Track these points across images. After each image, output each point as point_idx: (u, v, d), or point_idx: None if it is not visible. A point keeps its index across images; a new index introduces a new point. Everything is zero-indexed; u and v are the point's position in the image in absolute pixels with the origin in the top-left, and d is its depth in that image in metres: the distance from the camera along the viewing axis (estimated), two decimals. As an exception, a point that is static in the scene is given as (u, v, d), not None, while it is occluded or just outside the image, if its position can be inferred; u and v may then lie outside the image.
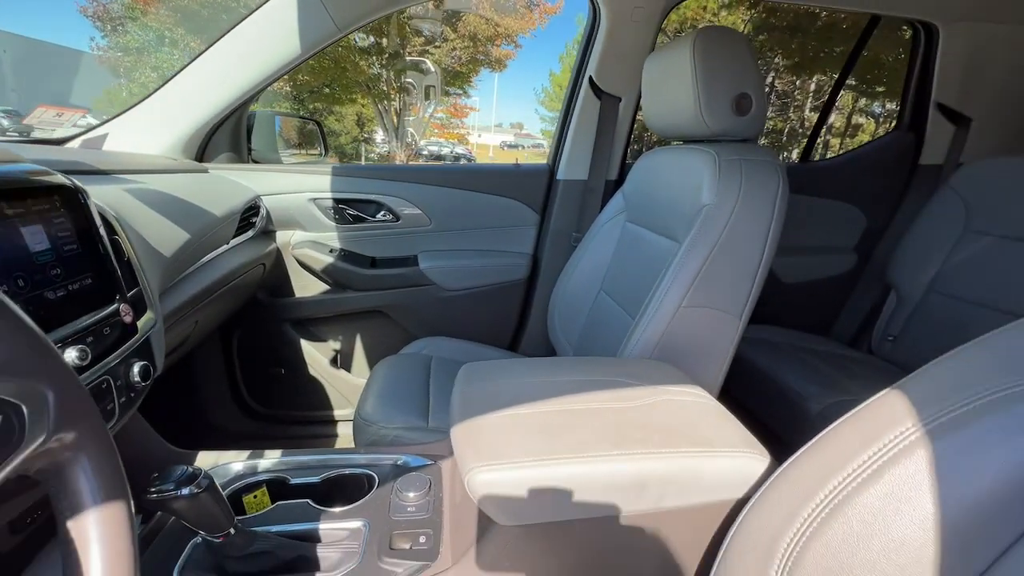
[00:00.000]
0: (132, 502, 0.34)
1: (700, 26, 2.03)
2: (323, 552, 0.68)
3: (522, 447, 0.60)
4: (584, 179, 1.56)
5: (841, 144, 12.49)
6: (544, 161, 1.69)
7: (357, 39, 10.22)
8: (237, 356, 1.56)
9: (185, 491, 0.55)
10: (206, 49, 1.22)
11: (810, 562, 0.45)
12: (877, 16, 1.67)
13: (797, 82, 12.71)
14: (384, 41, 11.24)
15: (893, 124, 1.86)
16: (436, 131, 17.73)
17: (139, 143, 1.22)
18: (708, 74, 0.98)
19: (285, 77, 1.30)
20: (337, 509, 0.74)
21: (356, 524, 0.72)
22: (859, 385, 1.29)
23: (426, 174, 1.58)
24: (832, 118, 12.05)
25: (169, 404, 1.41)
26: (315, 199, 1.48)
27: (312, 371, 1.60)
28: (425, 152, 16.77)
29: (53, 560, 0.64)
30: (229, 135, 1.41)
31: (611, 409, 0.69)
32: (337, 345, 1.63)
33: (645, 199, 1.21)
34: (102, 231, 0.67)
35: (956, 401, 0.43)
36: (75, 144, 1.19)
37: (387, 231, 1.54)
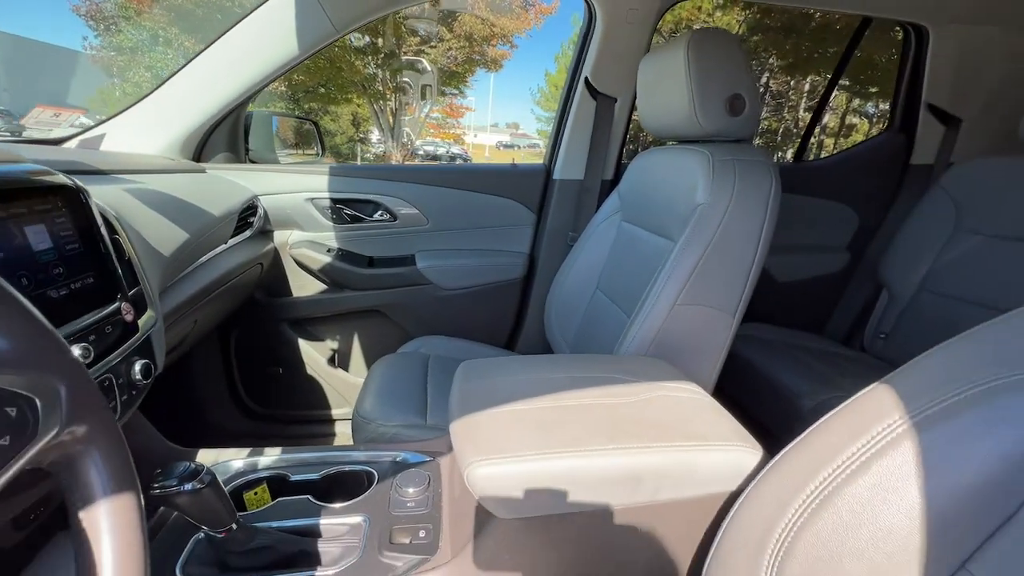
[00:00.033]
0: (141, 494, 0.35)
1: (694, 28, 2.04)
2: (324, 547, 0.69)
3: (520, 442, 0.61)
4: (580, 179, 1.58)
5: (836, 144, 12.57)
6: (540, 161, 1.70)
7: (352, 39, 10.19)
8: (235, 356, 1.56)
9: (188, 487, 0.56)
10: (204, 50, 1.22)
11: (801, 551, 0.47)
12: (869, 18, 1.70)
13: (792, 82, 12.78)
14: (380, 41, 11.22)
15: (886, 124, 1.88)
16: (432, 131, 17.71)
17: (136, 143, 1.23)
18: (702, 75, 0.99)
19: (280, 77, 1.31)
20: (337, 505, 0.75)
21: (356, 519, 0.73)
22: (851, 382, 1.30)
23: (423, 174, 1.59)
24: (827, 118, 12.13)
25: (167, 404, 1.41)
26: (313, 199, 1.48)
27: (310, 370, 1.61)
28: (421, 152, 16.74)
29: (55, 557, 0.65)
30: (226, 135, 1.41)
31: (607, 405, 0.70)
32: (335, 344, 1.64)
33: (640, 199, 1.22)
34: (103, 230, 0.68)
35: (941, 394, 0.44)
36: (72, 144, 1.19)
37: (384, 231, 1.55)
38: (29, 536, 0.63)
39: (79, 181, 0.66)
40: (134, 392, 0.68)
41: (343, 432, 1.66)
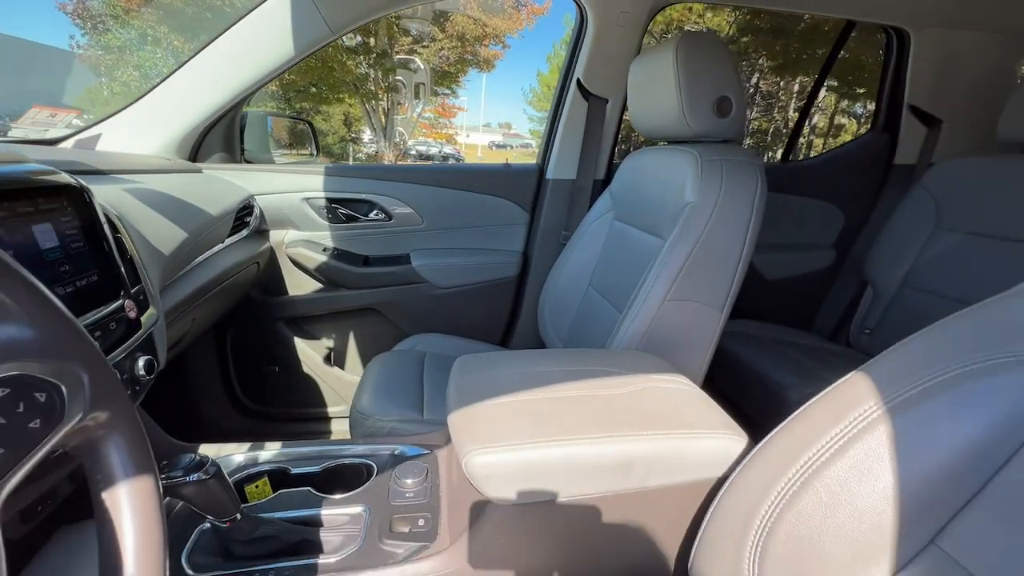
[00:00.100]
0: (158, 476, 0.37)
1: (684, 30, 2.08)
2: (326, 536, 0.71)
3: (517, 431, 0.63)
4: (573, 178, 1.60)
5: (824, 144, 12.72)
6: (533, 161, 1.73)
7: (344, 39, 10.15)
8: (231, 354, 1.57)
9: (194, 477, 0.57)
10: (200, 50, 1.23)
11: (783, 531, 0.49)
12: (853, 21, 1.74)
13: (781, 83, 12.91)
14: (372, 40, 11.19)
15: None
16: (424, 131, 17.69)
17: (133, 143, 1.23)
18: (690, 78, 1.02)
19: (276, 78, 1.32)
20: (338, 496, 0.77)
21: (357, 509, 0.75)
22: (836, 376, 1.33)
23: (418, 174, 1.60)
24: (816, 119, 12.26)
25: (164, 402, 1.42)
26: (308, 199, 1.49)
27: (306, 368, 1.62)
28: (413, 152, 16.72)
29: (61, 549, 0.66)
30: (222, 135, 1.42)
31: (600, 396, 0.73)
32: (330, 343, 1.65)
33: (632, 198, 1.25)
34: (106, 229, 0.69)
35: (914, 381, 0.47)
36: (68, 144, 1.20)
37: (380, 230, 1.57)
38: (34, 530, 0.65)
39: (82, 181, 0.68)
40: (138, 388, 0.69)
41: (339, 430, 1.67)
